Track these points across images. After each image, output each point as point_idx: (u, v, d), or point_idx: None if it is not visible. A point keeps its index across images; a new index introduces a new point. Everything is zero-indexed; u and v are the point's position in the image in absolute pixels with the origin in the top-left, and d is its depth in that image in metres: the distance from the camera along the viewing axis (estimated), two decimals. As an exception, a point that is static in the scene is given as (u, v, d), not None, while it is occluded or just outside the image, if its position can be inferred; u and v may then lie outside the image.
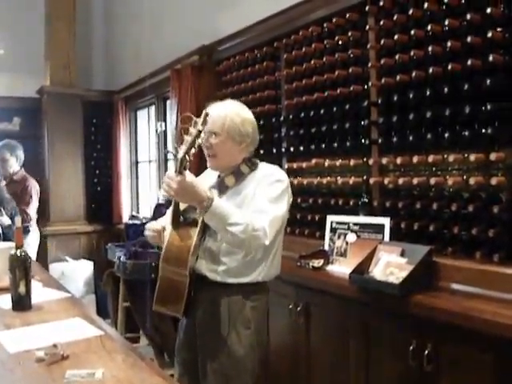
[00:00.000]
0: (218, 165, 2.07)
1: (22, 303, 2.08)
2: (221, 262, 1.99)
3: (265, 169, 2.08)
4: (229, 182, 2.04)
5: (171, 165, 4.92)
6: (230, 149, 2.02)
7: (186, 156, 1.76)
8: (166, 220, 2.09)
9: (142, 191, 6.05)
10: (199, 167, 2.65)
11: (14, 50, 5.80)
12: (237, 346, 2.00)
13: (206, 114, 1.78)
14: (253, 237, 1.83)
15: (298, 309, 2.69)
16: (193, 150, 1.78)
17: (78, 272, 5.44)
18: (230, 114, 2.03)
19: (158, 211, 4.52)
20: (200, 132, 1.76)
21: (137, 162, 6.09)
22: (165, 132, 5.15)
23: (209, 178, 2.13)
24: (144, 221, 5.09)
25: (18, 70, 5.88)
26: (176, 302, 1.95)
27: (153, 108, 5.51)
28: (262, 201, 1.93)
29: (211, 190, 1.95)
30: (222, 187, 2.04)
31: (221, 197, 1.98)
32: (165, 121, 5.16)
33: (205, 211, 1.80)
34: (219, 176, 2.10)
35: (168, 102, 4.86)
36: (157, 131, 5.25)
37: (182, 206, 1.98)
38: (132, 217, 5.79)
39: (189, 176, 1.79)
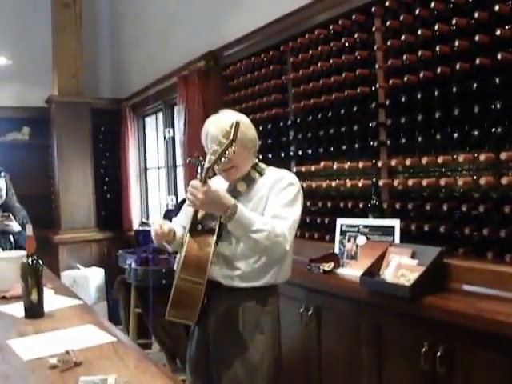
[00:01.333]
0: (235, 176, 2.06)
1: (34, 311, 2.09)
2: (235, 267, 2.00)
3: (274, 173, 2.11)
4: (241, 188, 2.05)
5: (180, 171, 4.93)
6: (245, 157, 2.05)
7: (214, 167, 1.79)
8: (173, 224, 2.12)
9: (151, 198, 6.07)
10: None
11: (22, 60, 5.86)
12: (252, 353, 2.01)
13: (237, 124, 1.80)
14: (275, 243, 1.87)
15: (309, 313, 2.68)
16: (223, 160, 1.80)
17: (89, 279, 5.45)
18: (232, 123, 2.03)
19: (168, 217, 4.54)
20: (233, 142, 1.78)
21: (146, 169, 6.11)
22: (173, 138, 5.17)
23: (218, 184, 2.11)
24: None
25: (26, 80, 5.95)
26: (189, 310, 1.94)
27: (160, 114, 5.53)
28: (278, 206, 1.96)
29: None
30: (235, 194, 2.03)
31: None
32: (173, 127, 5.17)
33: (229, 219, 1.82)
34: (230, 184, 2.11)
35: (175, 108, 4.88)
36: (165, 137, 5.27)
37: (200, 214, 1.99)
38: (142, 223, 5.81)
39: (214, 185, 1.84)
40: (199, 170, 1.90)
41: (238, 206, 1.84)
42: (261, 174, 2.08)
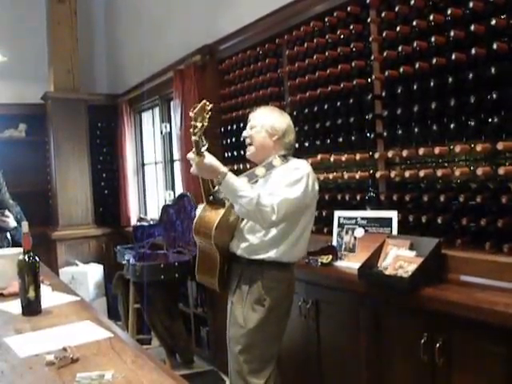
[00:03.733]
0: (253, 155, 2.37)
1: (31, 308, 2.08)
2: (245, 239, 2.28)
3: (292, 162, 2.32)
4: (259, 173, 2.31)
5: (177, 166, 4.95)
6: (263, 139, 2.32)
7: (194, 138, 2.04)
8: None
9: (149, 193, 6.06)
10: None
11: (18, 57, 5.82)
12: (248, 320, 2.24)
13: (204, 104, 2.07)
14: (258, 210, 2.08)
15: (308, 305, 2.68)
16: (198, 130, 2.04)
17: (88, 275, 5.45)
18: (266, 111, 2.41)
19: (166, 212, 4.53)
20: (197, 116, 2.04)
21: (143, 164, 6.10)
22: (170, 133, 5.15)
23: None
24: (152, 222, 5.10)
25: (22, 77, 5.92)
26: (211, 273, 2.34)
27: (157, 109, 5.52)
28: (277, 186, 2.18)
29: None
30: (252, 176, 2.31)
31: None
32: (169, 122, 5.16)
33: (219, 184, 2.13)
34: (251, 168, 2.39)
35: (172, 103, 4.86)
36: (162, 132, 5.26)
37: (216, 188, 2.29)
38: (140, 219, 5.81)
39: (207, 156, 2.10)
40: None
41: (227, 173, 2.11)
42: (283, 163, 2.30)
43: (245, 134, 2.39)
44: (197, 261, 2.41)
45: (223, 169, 2.13)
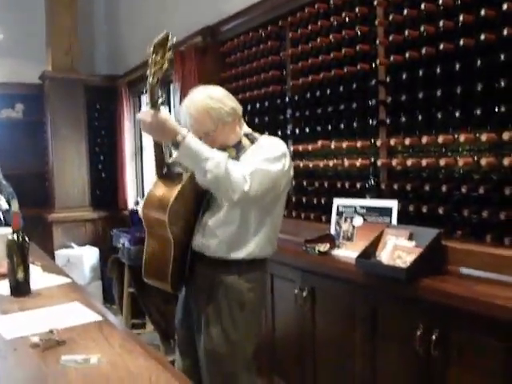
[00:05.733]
0: (220, 145, 1.97)
1: (20, 289, 2.04)
2: (214, 235, 1.95)
3: (265, 138, 2.05)
4: (231, 153, 1.95)
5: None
6: (228, 131, 1.99)
7: (152, 81, 1.72)
8: None
9: (146, 177, 6.00)
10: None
11: (16, 35, 5.73)
12: (231, 329, 1.97)
13: (166, 33, 1.74)
14: (229, 176, 1.75)
15: (304, 294, 2.64)
16: (158, 70, 1.73)
17: (83, 258, 5.41)
18: (208, 102, 1.95)
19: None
20: (157, 48, 1.72)
21: (141, 148, 6.03)
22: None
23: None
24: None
25: (19, 56, 5.82)
26: (162, 275, 1.93)
27: (157, 92, 5.43)
28: (251, 159, 1.88)
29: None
30: None
31: None
32: (169, 105, 5.08)
33: (178, 146, 1.76)
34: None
35: (171, 86, 4.78)
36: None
37: (171, 159, 1.94)
38: (137, 202, 5.75)
39: (162, 111, 1.76)
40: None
41: (187, 134, 1.77)
42: (252, 142, 2.02)
43: (204, 141, 1.86)
44: (144, 257, 1.96)
45: (183, 129, 1.78)
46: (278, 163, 1.89)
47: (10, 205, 3.12)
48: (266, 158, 1.87)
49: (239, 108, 2.05)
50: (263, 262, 2.06)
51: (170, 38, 1.74)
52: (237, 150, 1.98)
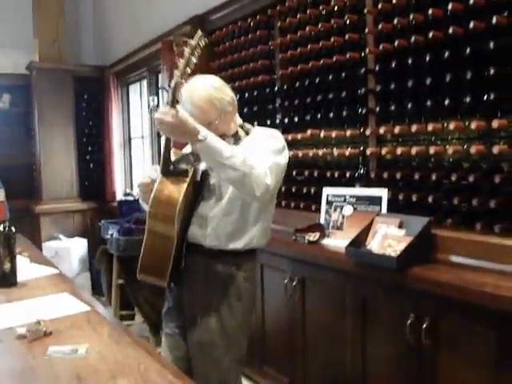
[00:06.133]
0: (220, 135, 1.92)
1: (6, 280, 2.02)
2: (214, 226, 1.94)
3: (260, 129, 2.07)
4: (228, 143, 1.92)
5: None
6: (229, 121, 2.00)
7: (181, 81, 1.71)
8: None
9: (135, 167, 5.96)
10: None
11: (2, 25, 5.65)
12: (229, 319, 1.96)
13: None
14: (253, 173, 1.75)
15: (294, 283, 2.63)
16: (188, 70, 1.72)
17: (72, 250, 5.37)
18: (211, 91, 1.94)
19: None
20: (194, 49, 1.71)
21: (130, 138, 5.98)
22: (157, 106, 5.03)
23: None
24: (137, 197, 5.01)
25: (6, 46, 5.74)
26: (161, 269, 1.87)
27: (145, 82, 5.39)
28: (260, 152, 1.86)
29: None
30: None
31: None
32: (157, 95, 5.04)
33: (200, 146, 1.73)
34: None
35: (160, 76, 4.73)
36: (149, 106, 5.14)
37: (174, 158, 1.93)
38: (125, 194, 5.72)
39: (182, 112, 1.73)
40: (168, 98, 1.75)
41: (209, 134, 1.74)
42: (247, 133, 2.02)
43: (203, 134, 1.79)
44: (142, 253, 1.90)
45: (203, 128, 1.75)
46: (283, 155, 1.93)
47: None
48: (273, 150, 1.89)
49: (235, 100, 2.04)
50: (256, 252, 2.07)
51: (203, 39, 1.75)
52: (234, 139, 1.98)
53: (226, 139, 1.93)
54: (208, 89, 1.93)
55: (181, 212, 1.86)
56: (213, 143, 1.73)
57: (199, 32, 1.74)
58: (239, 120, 2.08)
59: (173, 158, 1.93)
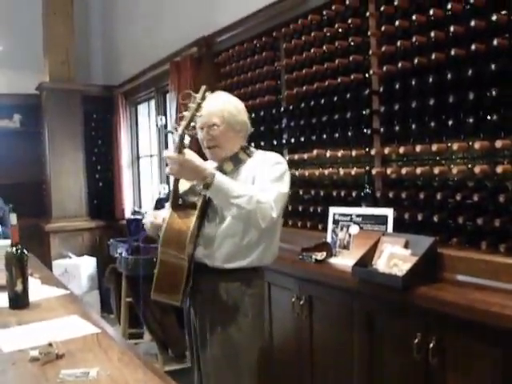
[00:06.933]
0: (219, 155, 2.09)
1: (18, 301, 2.05)
2: (218, 246, 2.01)
3: (262, 154, 2.14)
4: (227, 168, 2.07)
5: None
6: (231, 138, 2.08)
7: (185, 132, 1.85)
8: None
9: (143, 186, 6.01)
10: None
11: (13, 46, 5.78)
12: (237, 335, 2.01)
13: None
14: (259, 208, 1.85)
15: (301, 302, 2.65)
16: (192, 124, 1.87)
17: (81, 268, 5.41)
18: (227, 104, 2.08)
19: (160, 205, 4.49)
20: (200, 105, 1.85)
21: (138, 157, 6.05)
22: (165, 126, 5.10)
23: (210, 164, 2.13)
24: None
25: (17, 67, 5.86)
26: (174, 289, 1.97)
27: (153, 102, 5.47)
28: (264, 181, 1.96)
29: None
30: (220, 172, 2.02)
31: None
32: (165, 114, 5.11)
33: (208, 187, 1.84)
34: (217, 164, 2.12)
35: (168, 96, 4.81)
36: (157, 125, 5.21)
37: (182, 189, 2.03)
38: (134, 212, 5.76)
39: (189, 154, 1.87)
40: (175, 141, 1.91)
41: (215, 174, 1.86)
42: (249, 156, 2.11)
43: (205, 135, 2.06)
44: (155, 277, 1.98)
45: (211, 169, 1.89)
46: (285, 180, 2.02)
47: (1, 219, 3.10)
48: (277, 178, 1.99)
49: (249, 127, 2.16)
50: (263, 269, 2.13)
51: (207, 93, 1.88)
52: (234, 162, 2.08)
53: (224, 163, 2.07)
54: (225, 101, 2.10)
55: (191, 242, 1.97)
56: (220, 184, 1.85)
57: (203, 87, 1.89)
58: (244, 143, 2.15)
59: (181, 189, 2.02)
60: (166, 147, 5.17)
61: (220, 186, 1.84)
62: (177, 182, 1.98)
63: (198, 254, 2.04)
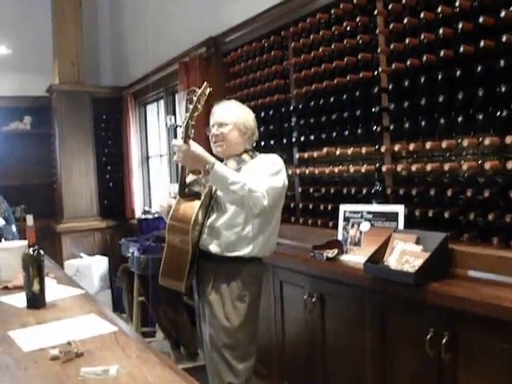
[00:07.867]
0: (224, 151, 2.35)
1: (36, 301, 2.08)
2: (221, 235, 2.26)
3: (263, 156, 2.38)
4: (231, 166, 2.29)
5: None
6: (236, 137, 2.34)
7: (190, 122, 2.07)
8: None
9: (153, 185, 6.06)
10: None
11: (23, 49, 5.83)
12: (233, 317, 2.24)
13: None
14: (251, 196, 2.09)
15: (313, 300, 2.67)
16: (196, 114, 2.09)
17: (93, 268, 5.46)
18: (235, 108, 2.41)
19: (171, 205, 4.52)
20: (200, 96, 2.08)
21: (148, 157, 6.09)
22: (174, 126, 5.12)
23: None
24: (156, 215, 5.09)
25: (27, 70, 5.92)
26: (179, 273, 2.22)
27: (162, 102, 5.50)
28: (258, 175, 2.19)
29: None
30: None
31: None
32: (174, 114, 5.14)
33: (208, 173, 2.09)
34: (222, 161, 2.34)
35: (177, 96, 4.84)
36: (166, 125, 5.24)
37: (188, 180, 2.31)
38: (145, 211, 5.80)
39: (193, 145, 2.11)
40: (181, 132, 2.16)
41: (215, 163, 2.10)
42: (252, 158, 2.36)
43: (215, 131, 2.34)
44: (163, 261, 2.26)
45: (211, 158, 2.13)
46: (279, 176, 2.24)
47: (6, 220, 3.13)
48: (271, 174, 2.21)
49: (256, 134, 2.44)
50: (261, 260, 2.36)
51: (208, 89, 2.10)
52: (237, 162, 2.34)
53: (228, 161, 2.34)
54: (238, 106, 2.44)
55: (196, 224, 2.21)
56: (218, 171, 2.10)
57: (205, 83, 2.11)
58: (249, 147, 2.41)
59: (188, 180, 2.30)
60: (173, 125, 5.20)
61: (218, 174, 2.09)
62: (183, 172, 2.23)
63: (202, 241, 2.29)
